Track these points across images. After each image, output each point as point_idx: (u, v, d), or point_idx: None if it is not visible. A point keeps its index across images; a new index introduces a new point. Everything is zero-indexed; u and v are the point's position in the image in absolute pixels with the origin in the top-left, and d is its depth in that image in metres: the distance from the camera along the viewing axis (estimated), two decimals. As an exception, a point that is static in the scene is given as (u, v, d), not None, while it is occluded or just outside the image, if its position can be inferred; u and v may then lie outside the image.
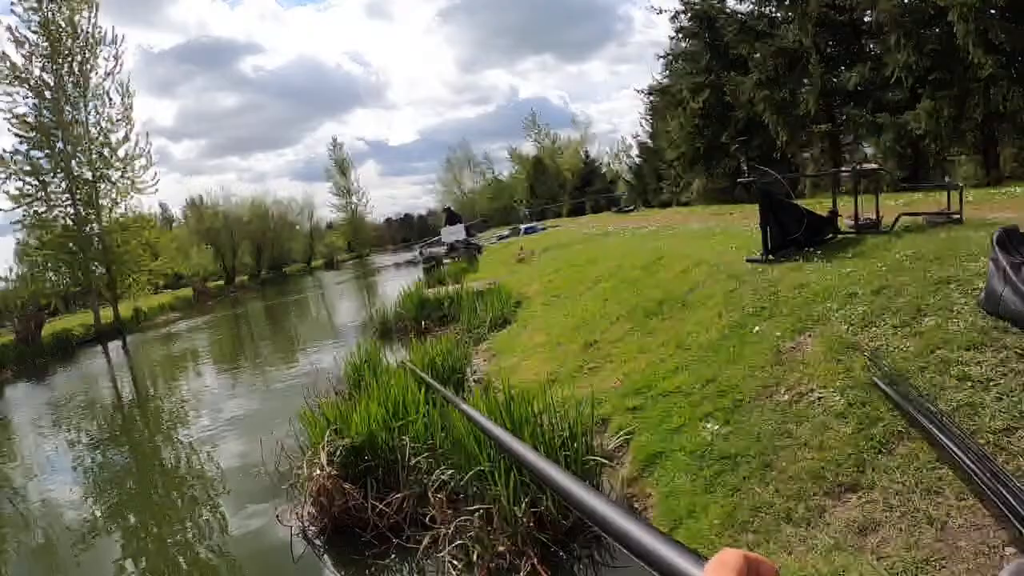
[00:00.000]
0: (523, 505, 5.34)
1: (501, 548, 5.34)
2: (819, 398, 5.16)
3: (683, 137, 34.96)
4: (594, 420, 6.45)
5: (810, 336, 6.14)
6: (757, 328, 6.86)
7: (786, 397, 5.41)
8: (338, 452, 6.74)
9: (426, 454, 6.52)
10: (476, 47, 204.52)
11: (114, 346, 34.30)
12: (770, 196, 9.37)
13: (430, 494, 5.96)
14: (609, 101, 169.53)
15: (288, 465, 7.88)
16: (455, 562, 5.45)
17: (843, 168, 10.89)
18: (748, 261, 9.30)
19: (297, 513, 6.90)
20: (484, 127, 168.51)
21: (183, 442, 12.70)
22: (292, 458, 7.86)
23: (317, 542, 6.61)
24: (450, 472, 6.04)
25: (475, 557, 5.37)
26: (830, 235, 9.30)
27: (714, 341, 7.24)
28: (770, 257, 9.03)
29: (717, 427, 5.55)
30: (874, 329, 5.74)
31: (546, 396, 6.34)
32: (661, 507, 5.17)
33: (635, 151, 53.60)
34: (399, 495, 6.30)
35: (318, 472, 6.61)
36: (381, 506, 6.25)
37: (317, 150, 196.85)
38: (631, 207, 45.61)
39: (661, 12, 36.03)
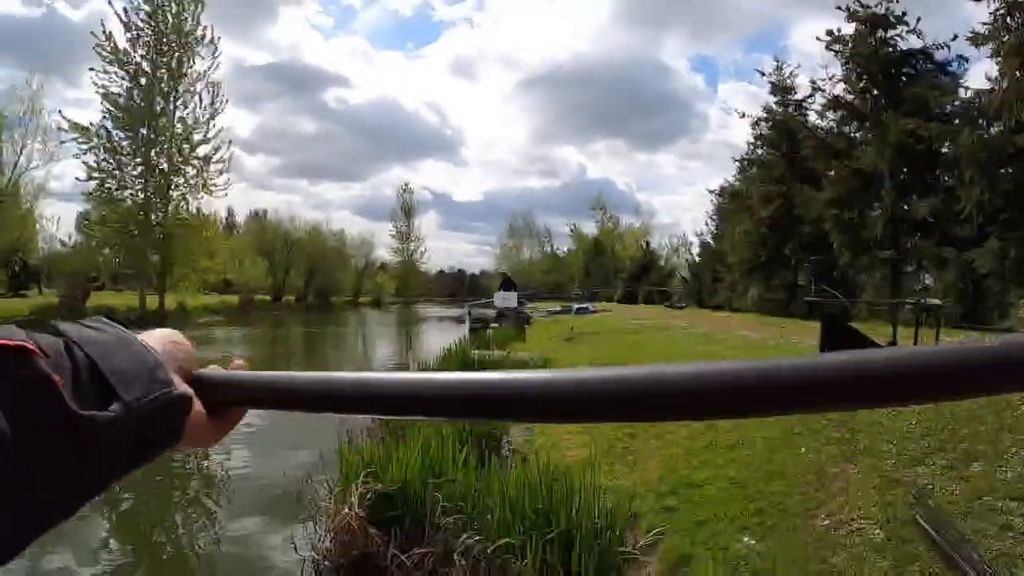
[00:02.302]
0: (546, 586, 5.35)
1: (518, 625, 5.35)
2: (859, 528, 5.13)
3: (746, 243, 35.03)
4: (630, 512, 6.46)
5: (856, 465, 6.12)
6: (804, 449, 6.85)
7: (826, 523, 5.39)
8: (370, 495, 6.78)
9: (456, 515, 6.54)
10: (551, 121, 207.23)
11: (152, 336, 34.62)
12: (834, 319, 9.39)
13: (455, 556, 5.95)
14: (674, 195, 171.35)
15: (309, 493, 7.95)
16: (469, 631, 5.46)
17: (907, 300, 10.88)
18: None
19: (313, 544, 6.96)
20: (548, 200, 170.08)
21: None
22: (315, 487, 7.94)
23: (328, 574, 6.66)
24: (478, 538, 6.02)
25: (491, 629, 5.39)
26: (886, 366, 9.26)
27: (759, 454, 7.23)
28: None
29: (753, 541, 5.54)
30: (922, 468, 5.73)
31: (585, 479, 6.36)
32: (686, 612, 5.17)
33: (696, 249, 53.71)
34: (422, 550, 6.28)
35: (346, 511, 6.67)
36: (403, 557, 6.25)
37: (383, 190, 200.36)
38: (683, 304, 45.53)
39: (744, 116, 36.68)
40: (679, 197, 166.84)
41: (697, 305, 44.87)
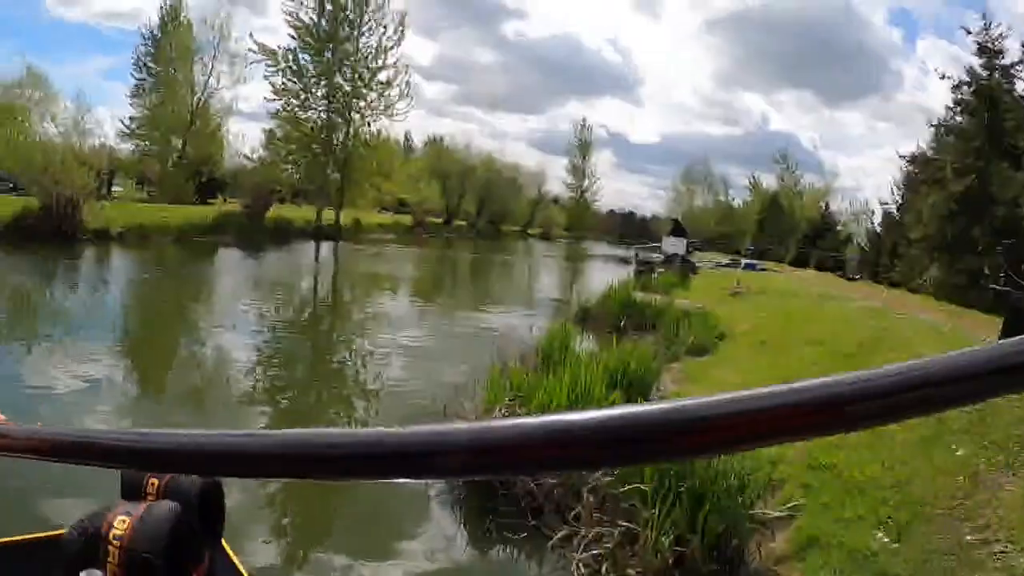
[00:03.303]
0: (669, 538, 5.34)
1: (632, 573, 5.37)
2: (1003, 552, 4.83)
3: (934, 218, 32.86)
4: (769, 480, 6.37)
5: (1014, 478, 5.77)
6: (961, 451, 6.50)
7: (969, 537, 5.11)
8: (511, 418, 6.91)
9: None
10: (736, 66, 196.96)
11: (326, 247, 36.68)
12: (1020, 314, 8.79)
13: (584, 490, 6.04)
14: (859, 157, 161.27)
15: (455, 410, 8.22)
16: (582, 567, 5.52)
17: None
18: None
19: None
20: (727, 148, 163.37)
21: (358, 351, 13.55)
22: (458, 404, 8.21)
23: (457, 491, 6.95)
24: (609, 479, 6.04)
25: (603, 570, 5.43)
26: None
27: (911, 445, 6.92)
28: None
29: (888, 539, 5.34)
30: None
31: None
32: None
33: (877, 218, 50.98)
34: (552, 482, 6.43)
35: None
36: (533, 485, 6.43)
37: (558, 125, 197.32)
38: (858, 276, 43.79)
39: (944, 77, 33.87)
40: (864, 160, 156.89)
41: (871, 279, 42.97)
